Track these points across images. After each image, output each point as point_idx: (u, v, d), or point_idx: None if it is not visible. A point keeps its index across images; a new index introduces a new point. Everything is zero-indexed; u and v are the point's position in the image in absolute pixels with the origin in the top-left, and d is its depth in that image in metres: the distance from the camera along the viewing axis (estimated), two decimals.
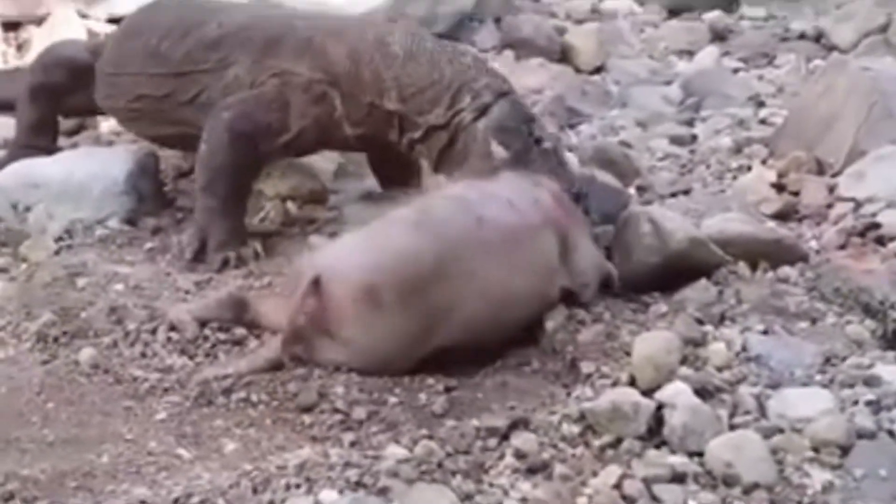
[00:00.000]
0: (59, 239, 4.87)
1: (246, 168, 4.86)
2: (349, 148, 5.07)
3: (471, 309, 3.96)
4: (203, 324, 4.11)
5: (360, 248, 3.96)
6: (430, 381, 3.91)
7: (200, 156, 4.80)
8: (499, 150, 4.52)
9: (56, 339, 4.12)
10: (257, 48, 4.91)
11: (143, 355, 4.05)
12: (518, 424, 3.69)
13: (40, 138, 5.45)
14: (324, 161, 5.27)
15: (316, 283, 3.82)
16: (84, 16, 7.17)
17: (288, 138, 4.79)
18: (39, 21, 7.10)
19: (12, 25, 7.12)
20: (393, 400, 3.79)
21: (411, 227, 3.99)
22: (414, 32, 4.99)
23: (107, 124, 5.93)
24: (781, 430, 3.68)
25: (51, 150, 5.41)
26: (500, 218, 4.11)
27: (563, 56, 8.02)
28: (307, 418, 3.73)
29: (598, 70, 7.96)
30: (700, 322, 4.28)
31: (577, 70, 7.88)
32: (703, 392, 3.81)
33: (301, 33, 4.90)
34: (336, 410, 3.74)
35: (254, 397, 3.81)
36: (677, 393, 3.74)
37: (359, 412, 3.73)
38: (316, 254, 4.01)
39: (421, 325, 3.91)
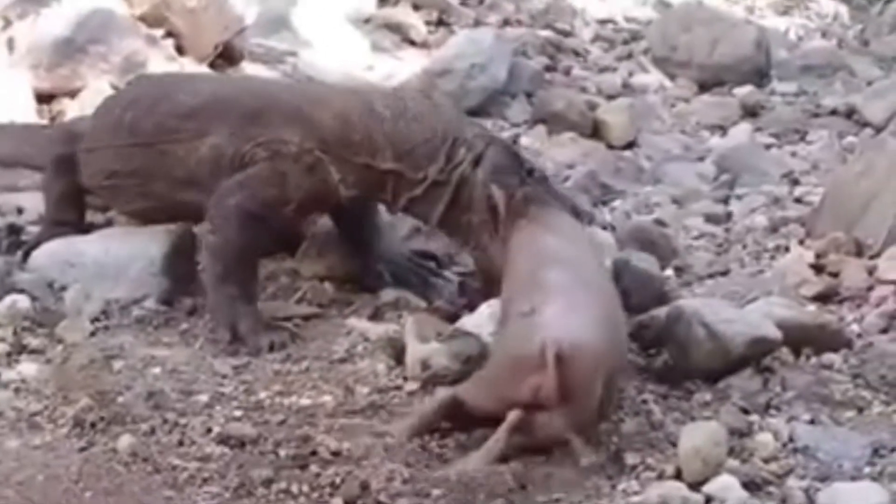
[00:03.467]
0: (96, 319, 4.81)
1: (258, 248, 4.87)
2: (339, 210, 5.07)
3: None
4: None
5: (588, 322, 4.02)
6: (470, 471, 3.83)
7: (212, 247, 4.75)
8: (498, 193, 4.59)
9: (93, 425, 4.06)
10: (238, 118, 4.87)
11: (181, 443, 3.99)
12: None
13: (69, 212, 5.41)
14: None
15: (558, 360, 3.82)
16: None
17: (289, 210, 4.79)
18: (73, 93, 7.10)
19: (46, 98, 7.13)
20: (437, 492, 3.73)
21: (605, 295, 4.26)
22: (394, 93, 5.12)
23: None
24: None
25: (81, 226, 5.38)
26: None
27: (595, 131, 7.99)
28: None
29: (630, 145, 7.94)
30: (745, 411, 4.23)
31: (609, 145, 7.85)
32: (751, 485, 3.77)
33: (286, 104, 4.91)
34: (378, 503, 3.68)
35: (294, 488, 3.74)
36: (725, 487, 3.71)
37: None
38: (542, 331, 3.94)
39: None
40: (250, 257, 4.79)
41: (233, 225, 4.71)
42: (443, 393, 4.21)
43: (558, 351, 3.82)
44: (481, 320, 4.54)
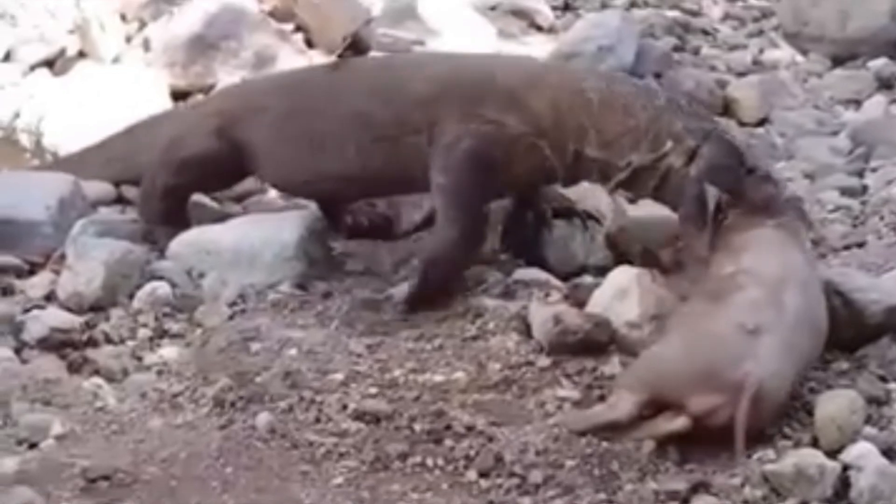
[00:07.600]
0: (233, 304, 4.92)
1: (488, 197, 4.95)
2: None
3: None
4: None
5: (792, 364, 3.98)
6: (605, 443, 3.86)
7: (444, 189, 4.84)
8: (711, 190, 4.54)
9: (233, 404, 4.17)
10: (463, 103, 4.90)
11: (318, 420, 4.07)
12: (698, 488, 3.64)
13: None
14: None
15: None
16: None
17: (506, 180, 4.91)
18: (208, 90, 7.24)
19: (181, 95, 7.28)
20: (570, 463, 3.75)
21: (814, 330, 4.18)
22: (607, 76, 5.14)
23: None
24: None
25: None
26: None
27: (726, 109, 7.90)
28: (484, 482, 3.72)
29: (762, 122, 7.83)
30: (883, 379, 4.18)
31: (741, 123, 7.74)
32: (889, 453, 3.73)
33: (501, 85, 4.93)
34: (513, 474, 3.72)
35: (430, 462, 3.81)
36: (863, 454, 3.66)
37: (535, 476, 3.71)
38: (752, 361, 3.85)
39: None
40: (481, 201, 4.90)
41: (465, 167, 4.81)
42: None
43: (756, 391, 3.76)
44: (604, 300, 4.55)
